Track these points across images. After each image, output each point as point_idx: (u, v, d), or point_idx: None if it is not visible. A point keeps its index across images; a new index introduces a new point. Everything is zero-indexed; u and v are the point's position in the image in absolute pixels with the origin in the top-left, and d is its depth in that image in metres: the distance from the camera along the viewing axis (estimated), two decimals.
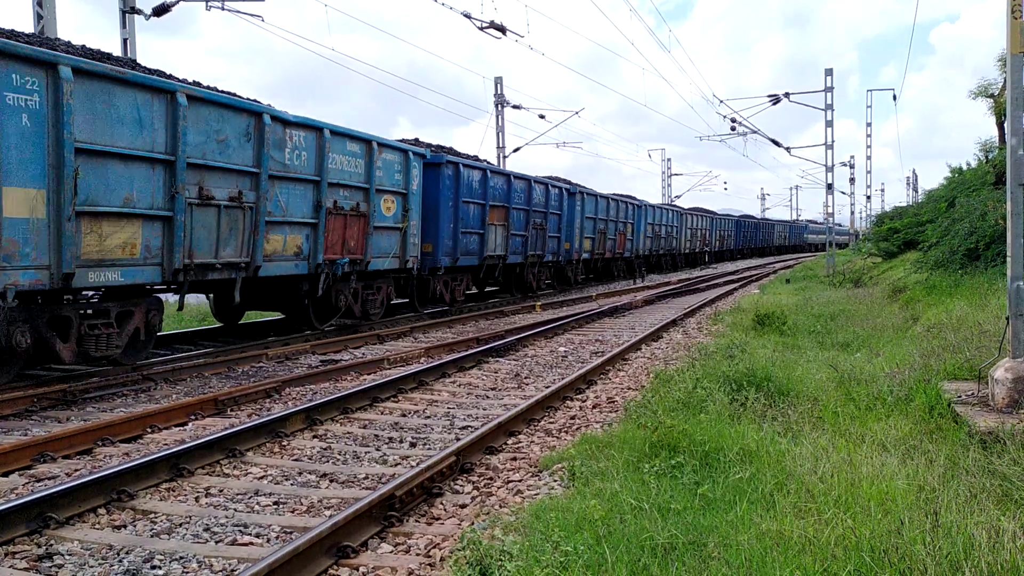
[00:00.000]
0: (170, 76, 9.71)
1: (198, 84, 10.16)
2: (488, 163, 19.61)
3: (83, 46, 9.33)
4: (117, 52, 14.64)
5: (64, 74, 7.64)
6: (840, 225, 62.58)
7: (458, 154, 17.76)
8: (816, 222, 75.65)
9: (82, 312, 8.59)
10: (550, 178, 22.70)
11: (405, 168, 14.20)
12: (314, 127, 11.55)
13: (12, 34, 8.31)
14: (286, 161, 10.98)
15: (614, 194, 28.80)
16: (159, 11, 14.50)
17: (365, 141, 12.85)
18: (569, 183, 24.11)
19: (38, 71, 7.51)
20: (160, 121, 8.87)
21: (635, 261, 30.78)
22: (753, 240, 63.22)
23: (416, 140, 16.74)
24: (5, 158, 7.25)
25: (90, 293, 9.09)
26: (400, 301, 16.38)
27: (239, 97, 10.55)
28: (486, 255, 17.78)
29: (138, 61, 10.70)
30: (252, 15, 15.02)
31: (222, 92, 10.29)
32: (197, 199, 9.43)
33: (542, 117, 31.44)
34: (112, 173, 8.33)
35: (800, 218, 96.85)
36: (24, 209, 7.47)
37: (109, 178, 8.30)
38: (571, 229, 23.35)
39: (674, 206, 41.27)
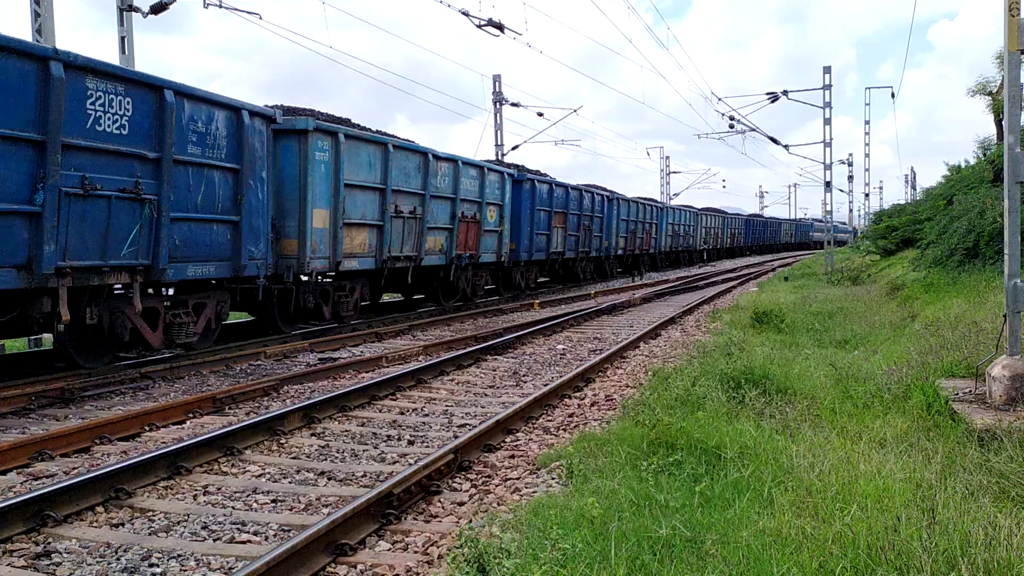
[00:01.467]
0: (385, 133, 14.74)
1: (395, 136, 15.03)
2: (552, 178, 23.09)
3: (347, 119, 14.40)
4: (115, 50, 14.64)
5: (341, 139, 12.38)
6: (843, 224, 63.19)
7: (531, 171, 22.19)
8: (821, 220, 76.89)
9: (337, 285, 13.47)
10: (592, 186, 27.06)
11: (502, 185, 18.78)
12: (452, 159, 16.15)
13: (313, 113, 13.47)
14: (437, 184, 15.53)
15: (638, 198, 33.24)
16: (157, 8, 14.47)
17: (479, 167, 17.54)
18: (607, 190, 28.55)
19: (329, 138, 12.21)
20: (378, 163, 13.52)
21: (658, 256, 35.89)
22: (761, 237, 67.10)
23: (499, 160, 22.16)
24: (315, 191, 11.83)
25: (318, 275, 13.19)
26: (489, 287, 20.46)
27: (415, 143, 15.43)
28: (551, 251, 22.40)
29: (352, 120, 14.80)
30: (250, 12, 15.00)
31: (403, 139, 15.19)
32: (394, 214, 13.97)
33: (540, 115, 31.48)
34: (357, 198, 12.98)
35: (806, 216, 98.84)
36: (320, 223, 12.07)
37: (356, 201, 12.96)
38: (609, 229, 27.74)
39: (690, 207, 45.21)
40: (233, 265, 10.24)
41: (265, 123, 10.72)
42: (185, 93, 9.13)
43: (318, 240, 11.98)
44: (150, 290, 9.68)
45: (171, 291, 10.25)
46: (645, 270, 32.88)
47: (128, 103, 8.37)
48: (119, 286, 9.00)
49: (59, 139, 7.54)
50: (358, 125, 14.24)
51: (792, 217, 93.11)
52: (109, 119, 8.19)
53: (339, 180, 12.27)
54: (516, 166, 21.79)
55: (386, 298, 18.46)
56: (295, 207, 11.66)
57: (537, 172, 22.46)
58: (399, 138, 14.83)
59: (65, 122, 7.60)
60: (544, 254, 21.85)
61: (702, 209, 48.22)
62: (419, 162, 14.78)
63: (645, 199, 34.40)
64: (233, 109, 10.00)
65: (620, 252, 29.53)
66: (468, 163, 16.93)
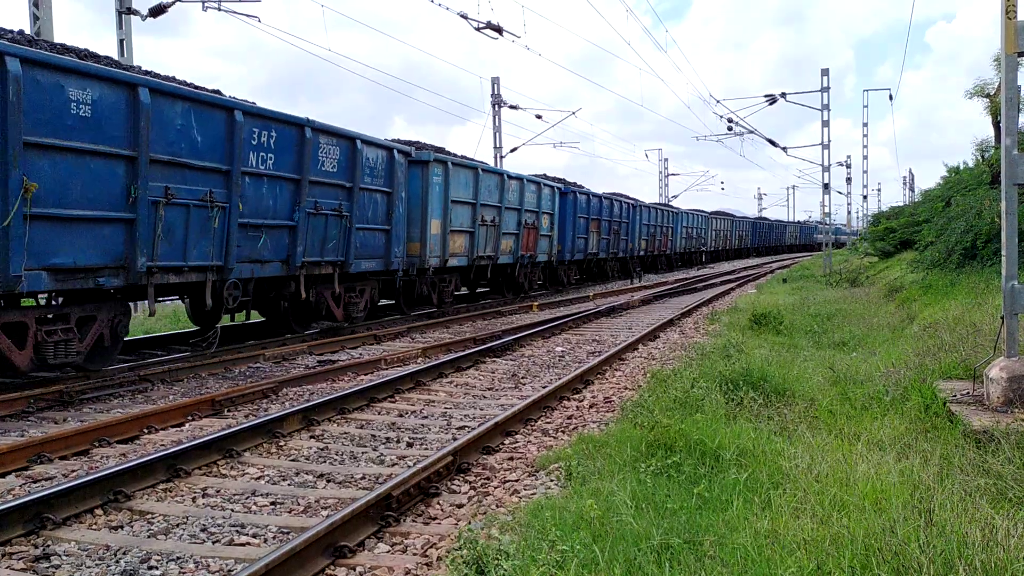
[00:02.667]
0: (471, 158, 18.42)
1: (465, 156, 18.10)
2: (588, 189, 26.34)
3: (444, 149, 17.44)
4: (114, 52, 14.64)
5: (449, 166, 15.82)
6: (845, 226, 64.02)
7: (573, 184, 25.29)
8: (824, 223, 78.40)
9: (441, 278, 16.66)
10: (618, 195, 30.35)
11: (552, 197, 22.44)
12: (519, 178, 19.86)
13: (431, 147, 16.34)
14: (509, 198, 19.04)
15: (656, 203, 37.83)
16: (155, 12, 14.50)
17: (537, 183, 21.17)
18: (631, 199, 31.98)
19: (441, 166, 15.60)
20: (471, 183, 17.01)
21: (673, 257, 39.29)
22: (767, 239, 70.67)
23: (544, 175, 24.19)
24: (432, 206, 15.29)
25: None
26: (539, 282, 23.74)
27: (493, 165, 20.15)
28: (588, 252, 26.03)
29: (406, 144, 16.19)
30: (248, 15, 15.05)
31: (488, 163, 20.24)
32: (481, 222, 17.49)
33: (539, 117, 31.47)
34: (458, 211, 16.43)
35: (810, 219, 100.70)
36: (435, 230, 15.49)
37: (457, 213, 16.39)
38: (633, 233, 31.29)
39: (701, 211, 48.21)
40: (385, 262, 13.85)
41: (404, 157, 14.31)
42: (366, 140, 12.84)
43: (434, 243, 15.52)
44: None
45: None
46: (663, 268, 37.39)
47: (337, 150, 12.11)
48: (326, 274, 12.44)
49: (307, 178, 11.30)
50: (455, 154, 17.55)
51: (794, 220, 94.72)
52: (328, 162, 11.89)
53: (447, 197, 15.90)
54: (561, 180, 24.87)
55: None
56: (418, 218, 15.11)
57: (575, 184, 25.65)
58: (485, 163, 19.31)
59: (311, 166, 11.35)
60: (583, 255, 25.63)
61: (712, 213, 51.72)
62: (497, 181, 18.60)
63: (662, 205, 39.20)
64: (388, 149, 13.64)
65: (642, 253, 33.12)
66: (530, 180, 20.81)
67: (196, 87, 9.91)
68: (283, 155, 10.79)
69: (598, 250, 26.82)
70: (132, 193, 8.48)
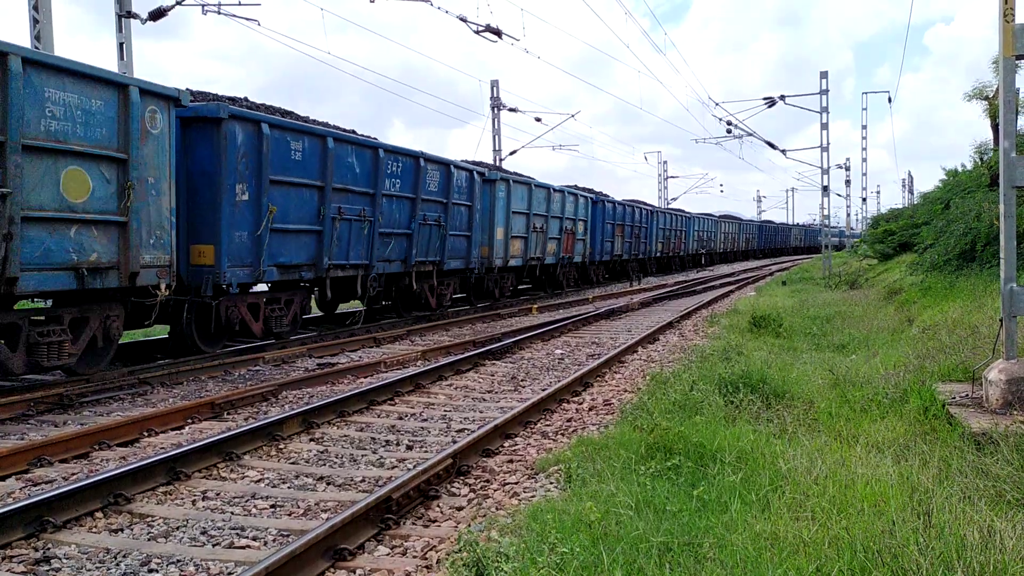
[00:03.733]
0: (525, 175, 21.73)
1: (518, 174, 21.67)
2: (614, 198, 29.56)
3: (502, 167, 23.31)
4: (113, 56, 14.66)
5: (511, 183, 19.30)
6: (850, 228, 64.54)
7: (602, 194, 28.61)
8: (830, 226, 79.70)
9: (500, 276, 20.02)
10: (638, 202, 34.93)
11: (587, 206, 25.79)
12: (561, 190, 23.11)
13: (499, 168, 22.54)
14: (554, 208, 22.36)
15: (669, 209, 41.67)
16: (155, 15, 14.51)
17: (575, 194, 24.56)
18: (650, 205, 36.40)
19: (504, 183, 18.91)
20: (527, 196, 20.33)
21: (686, 258, 42.80)
22: (773, 242, 74.00)
23: (576, 185, 27.21)
24: (497, 216, 18.56)
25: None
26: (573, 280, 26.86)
27: (541, 180, 21.81)
28: (614, 254, 29.43)
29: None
30: (248, 19, 15.05)
31: (538, 179, 21.94)
32: (534, 229, 20.94)
33: (538, 120, 31.50)
34: (516, 220, 19.82)
35: (815, 222, 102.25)
36: (500, 236, 18.82)
37: (515, 222, 19.78)
38: (651, 237, 34.61)
39: (711, 215, 52.51)
40: (466, 261, 17.22)
41: (480, 176, 17.64)
42: (456, 165, 16.28)
43: (499, 247, 18.93)
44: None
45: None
46: (677, 269, 40.82)
47: (437, 174, 15.53)
48: (428, 271, 15.70)
49: (420, 196, 14.76)
50: (515, 173, 21.44)
51: (798, 223, 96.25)
52: (432, 183, 15.28)
53: (509, 209, 19.33)
54: (591, 190, 28.21)
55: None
56: (488, 226, 18.46)
57: (603, 194, 28.88)
58: (536, 179, 21.72)
59: (422, 188, 14.78)
60: (609, 256, 28.87)
61: (720, 216, 56.01)
62: (545, 194, 21.81)
63: (674, 210, 42.52)
64: (469, 171, 17.02)
65: (658, 255, 36.53)
66: (570, 192, 24.25)
67: (358, 134, 13.64)
68: (405, 179, 14.33)
69: (622, 252, 30.30)
70: (321, 212, 12.06)
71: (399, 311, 15.90)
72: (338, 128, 13.41)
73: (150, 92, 8.99)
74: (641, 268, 34.17)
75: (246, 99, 12.34)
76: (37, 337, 8.03)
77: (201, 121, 10.21)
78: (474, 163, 19.02)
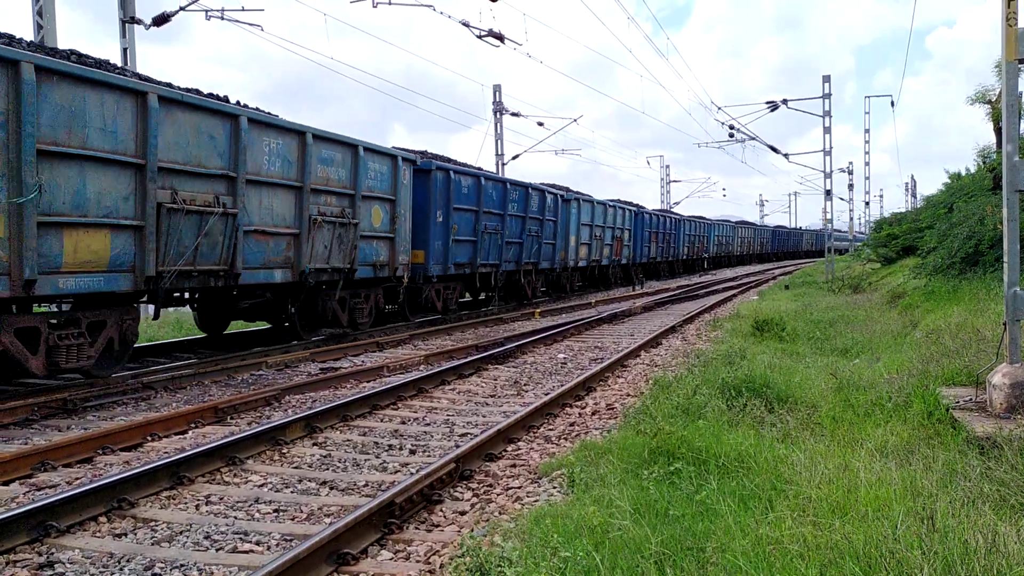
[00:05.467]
0: (588, 195, 26.61)
1: (584, 194, 26.52)
2: (649, 209, 35.72)
3: (567, 187, 26.73)
4: (117, 61, 14.70)
5: (581, 202, 25.02)
6: (853, 233, 65.38)
7: (640, 206, 34.20)
8: (840, 231, 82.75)
9: (570, 275, 25.39)
10: (667, 211, 42.40)
11: (632, 216, 31.22)
12: (614, 205, 28.67)
13: (567, 189, 25.40)
14: (608, 219, 27.75)
15: (693, 216, 46.79)
16: (159, 21, 14.57)
17: (623, 208, 29.76)
18: (677, 214, 43.20)
19: (576, 201, 24.47)
20: (590, 211, 25.95)
21: (707, 260, 47.38)
22: (785, 245, 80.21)
23: (618, 199, 32.15)
24: (571, 228, 24.22)
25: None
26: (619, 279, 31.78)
27: (596, 197, 26.78)
28: (650, 257, 34.87)
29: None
30: (251, 24, 15.12)
31: (597, 197, 27.75)
32: (595, 237, 26.02)
33: (541, 124, 31.61)
34: (584, 231, 25.54)
35: (825, 227, 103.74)
36: (573, 243, 24.46)
37: (583, 233, 25.31)
38: (679, 241, 40.00)
39: (728, 221, 57.75)
40: (551, 262, 22.51)
41: (560, 197, 22.64)
42: (548, 191, 21.75)
43: (572, 252, 24.29)
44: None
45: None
46: (701, 270, 45.66)
47: (537, 196, 20.77)
48: (493, 271, 18.92)
49: (528, 215, 19.99)
50: (583, 193, 26.14)
51: (816, 228, 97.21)
52: (534, 204, 20.42)
53: (579, 222, 24.76)
54: (635, 204, 33.67)
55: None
56: (565, 235, 23.56)
57: (642, 206, 34.21)
58: (597, 198, 26.90)
59: (528, 207, 20.16)
60: (647, 258, 34.27)
61: (738, 222, 61.77)
62: (604, 209, 27.40)
63: (697, 217, 47.61)
64: (555, 194, 22.24)
65: (684, 257, 41.89)
66: (619, 206, 29.65)
67: (481, 169, 19.17)
68: (519, 203, 19.51)
69: (656, 255, 36.06)
70: (476, 228, 17.29)
71: (506, 299, 21.02)
72: (484, 169, 19.66)
73: (405, 159, 14.62)
74: (670, 269, 39.87)
75: (446, 157, 18.05)
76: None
77: (420, 172, 15.36)
78: (551, 185, 23.89)
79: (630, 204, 32.49)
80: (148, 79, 9.46)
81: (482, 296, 20.19)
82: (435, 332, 14.58)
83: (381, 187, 14.00)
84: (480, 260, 17.56)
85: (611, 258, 28.68)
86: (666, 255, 37.84)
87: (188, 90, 9.90)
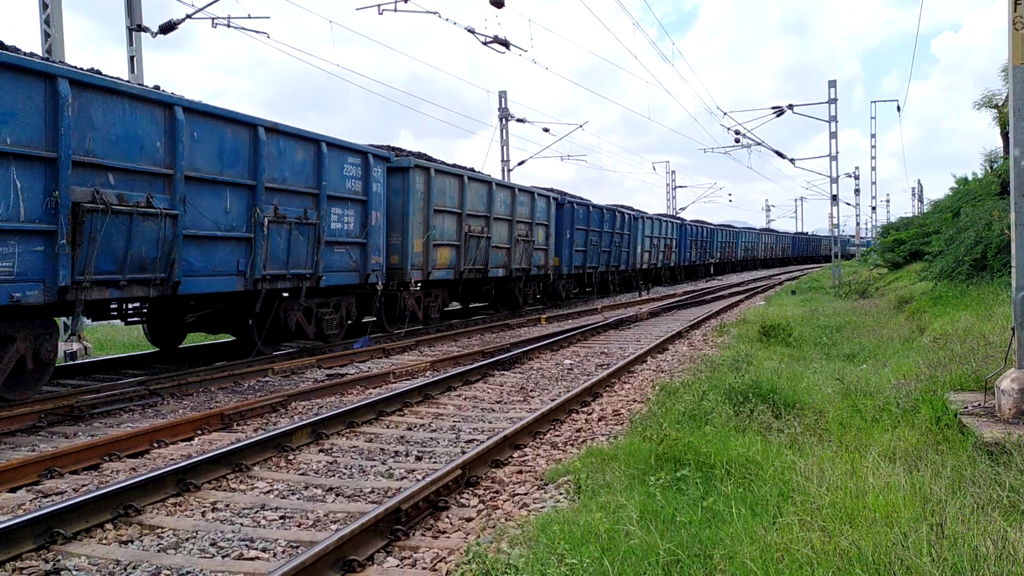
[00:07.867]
0: (642, 211, 33.52)
1: (646, 213, 33.92)
2: (689, 220, 42.89)
3: (628, 206, 32.99)
4: (124, 69, 14.78)
5: (645, 219, 33.09)
6: (859, 237, 66.90)
7: (678, 217, 42.89)
8: (855, 236, 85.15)
9: (632, 275, 32.31)
10: (701, 222, 46.24)
11: (678, 228, 38.08)
12: (665, 220, 36.87)
13: (633, 208, 32.71)
14: (661, 231, 35.53)
15: (722, 224, 52.94)
16: (165, 29, 14.63)
17: (672, 222, 37.41)
18: (710, 224, 47.99)
19: (643, 219, 32.66)
20: (651, 226, 34.11)
21: (736, 263, 53.88)
22: (804, 251, 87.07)
23: (666, 213, 42.64)
24: (638, 239, 31.58)
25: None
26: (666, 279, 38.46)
27: (648, 212, 34.71)
28: (691, 260, 41.37)
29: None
30: (257, 31, 15.16)
31: (650, 212, 35.79)
32: (653, 246, 34.42)
33: (546, 131, 31.64)
34: (646, 240, 33.21)
35: (843, 233, 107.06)
36: (639, 250, 32.31)
37: (645, 242, 33.29)
38: (712, 247, 46.82)
39: (752, 228, 64.54)
40: (628, 265, 29.83)
41: (631, 216, 28.87)
42: (622, 211, 28.13)
43: (637, 256, 31.09)
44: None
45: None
46: (730, 271, 51.54)
47: (598, 215, 25.81)
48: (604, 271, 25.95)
49: (591, 229, 25.42)
50: (647, 212, 33.38)
51: (827, 233, 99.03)
52: (592, 220, 25.27)
53: (644, 234, 31.93)
54: (679, 217, 42.49)
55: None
56: (634, 243, 30.35)
57: (684, 219, 41.20)
58: (649, 213, 33.52)
59: (591, 223, 25.59)
60: (688, 262, 41.32)
61: (762, 229, 69.57)
62: (658, 223, 34.41)
63: (726, 226, 53.35)
64: (623, 213, 28.33)
65: (716, 260, 48.02)
66: (668, 220, 37.20)
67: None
68: (610, 222, 25.08)
69: (695, 259, 42.67)
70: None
71: (606, 290, 28.44)
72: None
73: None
74: (705, 271, 46.44)
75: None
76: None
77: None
78: (625, 207, 29.91)
79: (675, 217, 41.73)
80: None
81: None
82: (440, 339, 14.57)
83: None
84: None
85: (663, 262, 36.42)
86: (702, 259, 44.93)
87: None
